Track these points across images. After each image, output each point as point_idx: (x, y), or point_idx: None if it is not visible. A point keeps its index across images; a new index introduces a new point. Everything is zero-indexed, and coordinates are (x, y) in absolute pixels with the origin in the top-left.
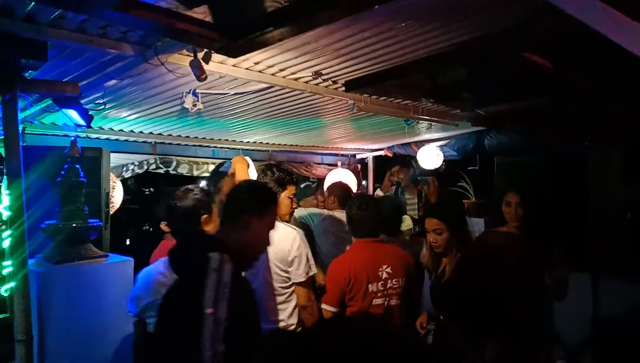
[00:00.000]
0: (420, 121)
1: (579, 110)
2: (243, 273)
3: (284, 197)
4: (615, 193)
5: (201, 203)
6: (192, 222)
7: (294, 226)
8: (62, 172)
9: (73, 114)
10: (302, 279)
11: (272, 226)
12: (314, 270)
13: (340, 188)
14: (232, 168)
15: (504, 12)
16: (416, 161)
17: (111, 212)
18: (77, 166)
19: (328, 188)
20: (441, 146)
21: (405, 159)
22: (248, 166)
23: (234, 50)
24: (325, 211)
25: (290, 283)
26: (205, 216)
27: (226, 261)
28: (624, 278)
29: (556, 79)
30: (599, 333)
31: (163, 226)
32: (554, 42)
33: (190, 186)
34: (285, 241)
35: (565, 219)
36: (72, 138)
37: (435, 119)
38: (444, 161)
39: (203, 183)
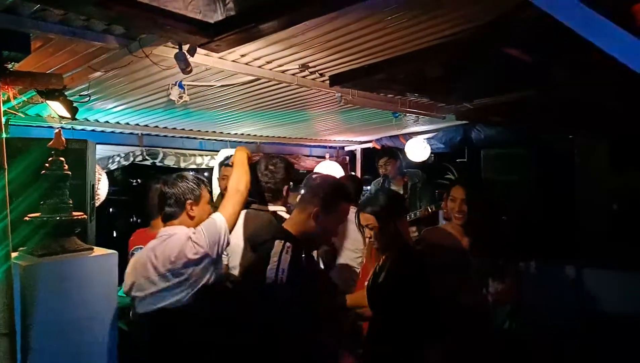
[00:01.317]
0: (408, 114)
1: (563, 103)
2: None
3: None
4: (601, 184)
5: (189, 189)
6: (178, 207)
7: None
8: (46, 164)
9: (57, 106)
10: None
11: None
12: None
13: (346, 181)
14: (232, 157)
15: (487, 6)
16: (404, 154)
17: (97, 204)
18: (62, 158)
19: None
20: (429, 139)
21: (392, 152)
22: (249, 156)
23: (217, 45)
24: None
25: None
26: (190, 201)
27: (286, 250)
28: (610, 268)
29: (538, 73)
30: (584, 322)
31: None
32: (535, 35)
33: (184, 173)
34: None
35: (551, 210)
36: (57, 130)
37: (422, 112)
38: (433, 153)
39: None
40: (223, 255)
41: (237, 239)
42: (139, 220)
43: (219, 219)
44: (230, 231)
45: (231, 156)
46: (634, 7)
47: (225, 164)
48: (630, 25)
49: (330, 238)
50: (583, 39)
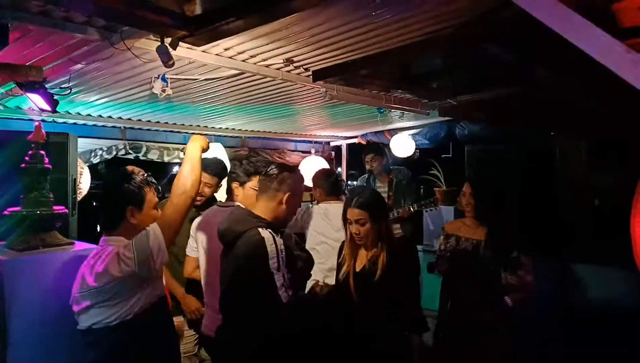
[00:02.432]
0: (393, 110)
1: (545, 101)
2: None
3: (249, 188)
4: (582, 180)
5: (130, 193)
6: (117, 215)
7: None
8: (27, 158)
9: (37, 98)
10: None
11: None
12: None
13: (322, 176)
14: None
15: (470, 4)
16: (389, 149)
17: (79, 198)
18: (42, 151)
19: (312, 180)
20: (413, 135)
21: (378, 147)
22: (203, 148)
23: (198, 39)
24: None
25: None
26: (130, 208)
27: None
28: (592, 262)
29: (520, 71)
30: (567, 317)
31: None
32: (517, 33)
33: (128, 170)
34: None
35: (533, 206)
36: (37, 123)
37: (407, 108)
38: (418, 149)
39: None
40: None
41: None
42: None
43: (152, 232)
44: (169, 243)
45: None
46: (614, 5)
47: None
48: (612, 23)
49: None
50: (563, 37)
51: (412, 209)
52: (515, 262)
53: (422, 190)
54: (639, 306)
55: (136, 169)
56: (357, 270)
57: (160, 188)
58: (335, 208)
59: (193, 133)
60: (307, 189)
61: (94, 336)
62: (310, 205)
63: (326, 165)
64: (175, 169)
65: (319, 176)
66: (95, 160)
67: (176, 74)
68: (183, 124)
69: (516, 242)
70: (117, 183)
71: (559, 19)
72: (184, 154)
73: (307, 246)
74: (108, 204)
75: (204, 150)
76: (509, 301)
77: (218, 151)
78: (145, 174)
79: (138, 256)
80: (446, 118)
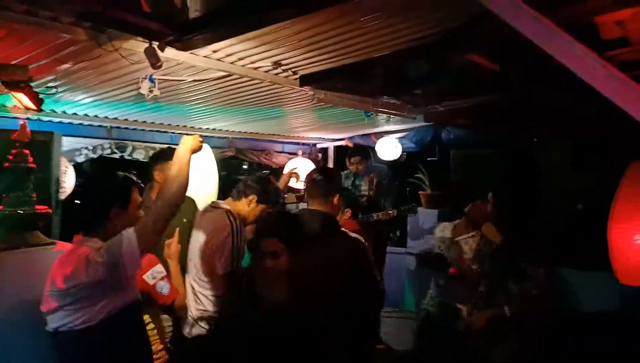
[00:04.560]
0: (380, 113)
1: (526, 106)
2: None
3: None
4: (566, 183)
5: (115, 193)
6: (98, 216)
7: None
8: (10, 157)
9: (22, 97)
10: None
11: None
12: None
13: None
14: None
15: (454, 13)
16: (375, 152)
17: (62, 198)
18: (26, 150)
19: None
20: (400, 138)
21: (365, 151)
22: (195, 149)
23: (185, 43)
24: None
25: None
26: (114, 209)
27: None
28: (576, 267)
29: (501, 78)
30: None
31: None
32: (498, 41)
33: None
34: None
35: (517, 210)
36: (22, 121)
37: (393, 112)
38: (404, 152)
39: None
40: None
41: None
42: None
43: (127, 238)
44: (147, 250)
45: (167, 148)
46: (595, 19)
47: (158, 160)
48: (593, 35)
49: None
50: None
51: (390, 213)
52: (521, 273)
53: (407, 193)
54: (620, 310)
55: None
56: None
57: (144, 187)
58: None
59: (180, 133)
60: (292, 190)
61: (60, 338)
62: (297, 208)
63: (313, 167)
64: None
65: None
66: (80, 159)
67: (164, 75)
68: (170, 124)
69: (526, 253)
70: (102, 182)
71: (538, 33)
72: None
73: None
74: (91, 204)
75: (195, 151)
76: (507, 311)
77: (205, 152)
78: (130, 174)
79: (108, 262)
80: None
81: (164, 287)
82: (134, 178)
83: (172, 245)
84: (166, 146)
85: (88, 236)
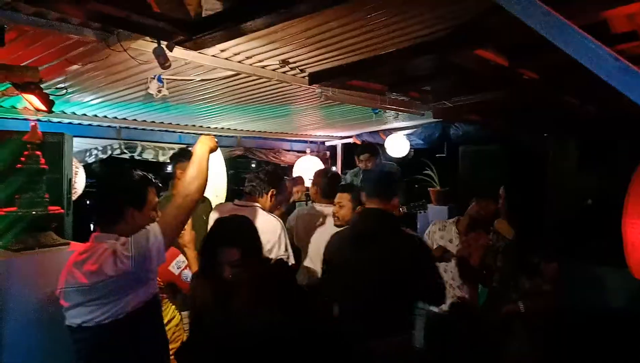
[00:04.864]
0: (388, 110)
1: (535, 102)
2: None
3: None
4: (573, 181)
5: (132, 192)
6: (116, 214)
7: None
8: (22, 158)
9: (33, 99)
10: None
11: None
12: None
13: (323, 176)
14: (195, 146)
15: (462, 8)
16: (384, 149)
17: (74, 198)
18: (38, 152)
19: (313, 178)
20: (408, 135)
21: (374, 148)
22: (212, 149)
23: (195, 43)
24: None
25: None
26: (131, 209)
27: None
28: (581, 261)
29: (511, 74)
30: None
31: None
32: (508, 37)
33: (128, 171)
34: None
35: (525, 206)
36: (33, 123)
37: (401, 109)
38: (413, 148)
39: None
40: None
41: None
42: None
43: (153, 232)
44: (170, 244)
45: (186, 148)
46: (605, 13)
47: (179, 159)
48: (603, 28)
49: None
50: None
51: (400, 211)
52: (533, 268)
53: (416, 190)
54: (629, 305)
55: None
56: None
57: (161, 187)
58: (328, 210)
59: (189, 133)
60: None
61: (84, 334)
62: (307, 205)
63: (321, 165)
64: (171, 168)
65: (320, 174)
66: (91, 160)
67: (172, 75)
68: (178, 124)
69: (538, 249)
70: (119, 181)
71: (549, 27)
72: (192, 154)
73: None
74: (107, 202)
75: (212, 151)
76: (522, 307)
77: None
78: (149, 175)
79: (136, 255)
80: (441, 119)
81: (188, 276)
82: (152, 178)
83: (186, 233)
84: (176, 145)
85: (108, 232)
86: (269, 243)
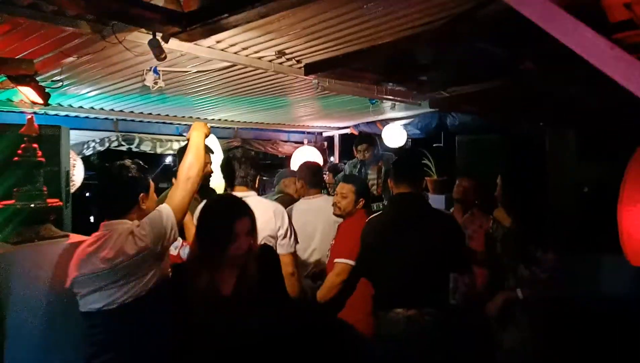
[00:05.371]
0: (385, 101)
1: (532, 92)
2: None
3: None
4: (571, 169)
5: (140, 180)
6: (129, 202)
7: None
8: (19, 151)
9: (29, 91)
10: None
11: None
12: None
13: (305, 169)
14: (189, 133)
15: None
16: (381, 140)
17: (72, 191)
18: (35, 144)
19: (297, 172)
20: (405, 125)
21: (371, 138)
22: (206, 134)
23: (190, 35)
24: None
25: None
26: (142, 194)
27: None
28: (579, 251)
29: (508, 64)
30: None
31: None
32: (504, 27)
33: (125, 162)
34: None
35: (524, 195)
36: (29, 116)
37: (398, 99)
38: (410, 138)
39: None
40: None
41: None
42: None
43: (165, 211)
44: (179, 224)
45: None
46: (603, 1)
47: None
48: (600, 18)
49: None
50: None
51: None
52: (531, 257)
53: None
54: (627, 292)
55: (130, 161)
56: None
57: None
58: (317, 203)
59: (186, 124)
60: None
61: (104, 317)
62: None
63: (319, 156)
64: (168, 160)
65: (303, 168)
66: (88, 152)
67: (168, 67)
68: (176, 116)
69: (536, 237)
70: (127, 171)
71: (544, 16)
72: (188, 137)
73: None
74: (120, 192)
75: (206, 136)
76: (520, 294)
77: (211, 142)
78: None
79: (153, 233)
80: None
81: (186, 253)
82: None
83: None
84: (173, 137)
85: (118, 219)
86: (283, 226)
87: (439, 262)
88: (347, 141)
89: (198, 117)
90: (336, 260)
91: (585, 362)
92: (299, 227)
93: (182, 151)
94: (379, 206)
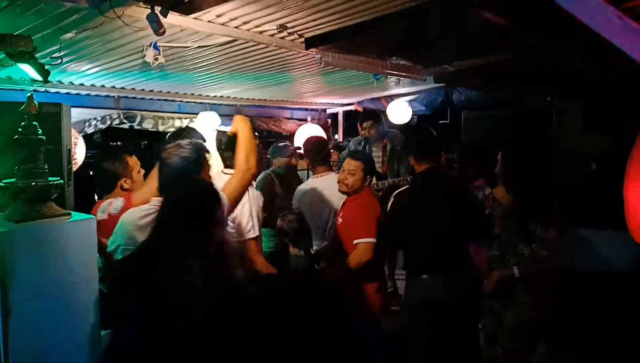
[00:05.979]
0: (389, 76)
1: (538, 65)
2: None
3: None
4: (578, 145)
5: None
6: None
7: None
8: (20, 129)
9: (28, 69)
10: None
11: None
12: None
13: (309, 146)
14: (233, 127)
15: None
16: (386, 116)
17: (74, 169)
18: (35, 122)
19: (302, 149)
20: (410, 101)
21: (376, 115)
22: (250, 126)
23: (187, 7)
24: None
25: None
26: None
27: None
28: (586, 226)
29: (513, 36)
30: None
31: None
32: None
33: (181, 142)
34: None
35: (527, 171)
36: (29, 93)
37: (403, 74)
38: (416, 115)
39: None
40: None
41: None
42: None
43: (222, 196)
44: (228, 213)
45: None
46: None
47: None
48: None
49: None
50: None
51: (408, 179)
52: (530, 234)
53: None
54: (630, 268)
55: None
56: None
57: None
58: (328, 181)
59: (188, 101)
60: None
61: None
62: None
63: (322, 133)
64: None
65: (307, 145)
66: (90, 130)
67: (168, 42)
68: (177, 93)
69: (537, 215)
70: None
71: None
72: (230, 133)
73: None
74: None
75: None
76: (516, 272)
77: (212, 119)
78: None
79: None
80: (443, 84)
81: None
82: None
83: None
84: (175, 114)
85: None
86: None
87: (464, 231)
88: (352, 117)
89: (200, 94)
90: (359, 240)
91: (586, 340)
92: (314, 206)
93: (176, 134)
94: (384, 184)
